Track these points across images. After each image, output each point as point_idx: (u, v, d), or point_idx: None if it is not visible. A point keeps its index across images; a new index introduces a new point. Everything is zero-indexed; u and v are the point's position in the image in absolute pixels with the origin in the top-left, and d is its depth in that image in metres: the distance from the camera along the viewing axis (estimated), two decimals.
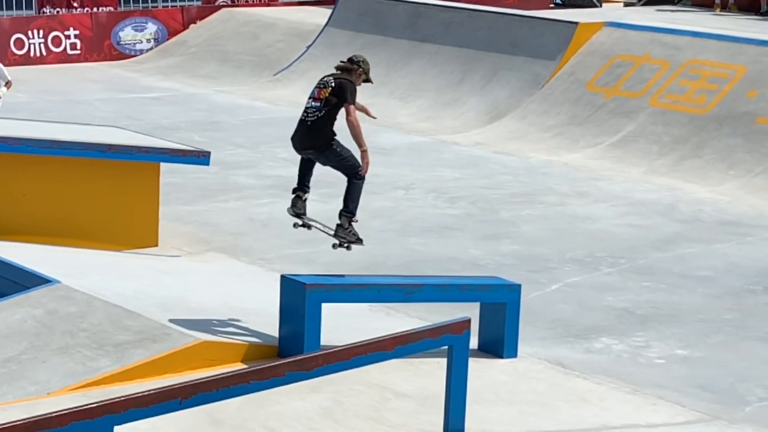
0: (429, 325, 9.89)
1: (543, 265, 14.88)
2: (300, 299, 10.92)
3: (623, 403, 10.92)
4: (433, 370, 10.93)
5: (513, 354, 11.69)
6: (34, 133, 14.47)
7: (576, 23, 22.93)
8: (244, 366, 10.91)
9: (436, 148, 20.92)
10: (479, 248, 15.48)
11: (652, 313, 13.44)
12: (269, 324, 11.78)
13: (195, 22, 29.64)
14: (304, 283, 10.93)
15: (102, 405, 8.30)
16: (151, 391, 8.54)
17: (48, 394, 10.34)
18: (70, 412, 8.20)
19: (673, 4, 30.18)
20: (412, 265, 14.73)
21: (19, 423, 8.12)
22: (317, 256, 15.04)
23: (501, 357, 11.61)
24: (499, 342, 11.68)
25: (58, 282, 12.16)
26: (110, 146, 14.46)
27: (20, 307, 11.79)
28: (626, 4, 29.31)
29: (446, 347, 9.64)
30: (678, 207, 17.61)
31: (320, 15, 27.83)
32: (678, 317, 13.35)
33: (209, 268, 14.30)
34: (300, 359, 9.07)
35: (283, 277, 11.21)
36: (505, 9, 25.66)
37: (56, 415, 8.16)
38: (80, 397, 10.26)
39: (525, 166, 19.74)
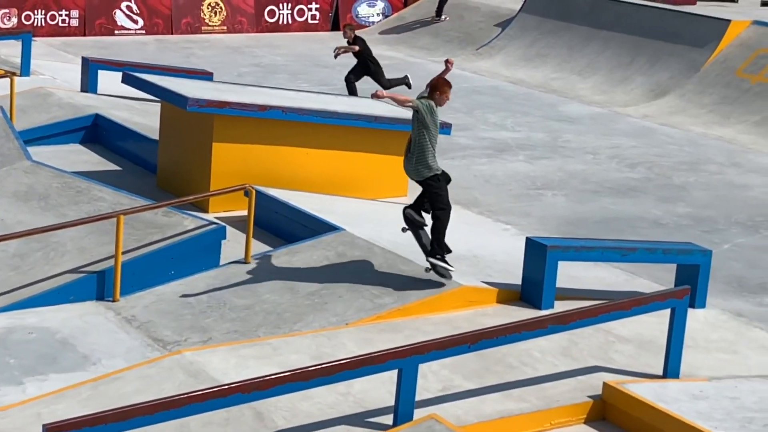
0: (658, 291, 9.85)
1: (713, 227, 14.65)
2: (541, 257, 10.91)
3: None
4: (642, 317, 10.81)
5: (702, 306, 11.58)
6: (316, 105, 14.58)
7: (728, 21, 22.41)
8: (496, 306, 10.94)
9: (612, 119, 20.65)
10: (659, 209, 15.29)
11: None
12: (507, 271, 11.79)
13: (414, 2, 29.43)
14: (546, 245, 10.91)
15: (412, 348, 8.42)
16: (448, 338, 8.63)
17: (347, 324, 10.47)
18: (388, 353, 8.32)
19: None
20: (609, 222, 14.60)
21: (351, 360, 8.25)
22: (532, 210, 15.01)
23: (693, 307, 11.50)
24: (691, 296, 11.55)
25: (344, 230, 12.28)
26: (376, 117, 14.51)
27: (316, 249, 11.94)
28: (763, 4, 28.55)
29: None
30: None
31: (514, 1, 27.47)
32: None
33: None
34: (560, 315, 9.10)
35: (528, 239, 11.19)
36: (665, 5, 25.10)
37: (378, 355, 8.29)
38: (372, 328, 10.38)
39: (687, 138, 19.40)
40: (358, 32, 20.27)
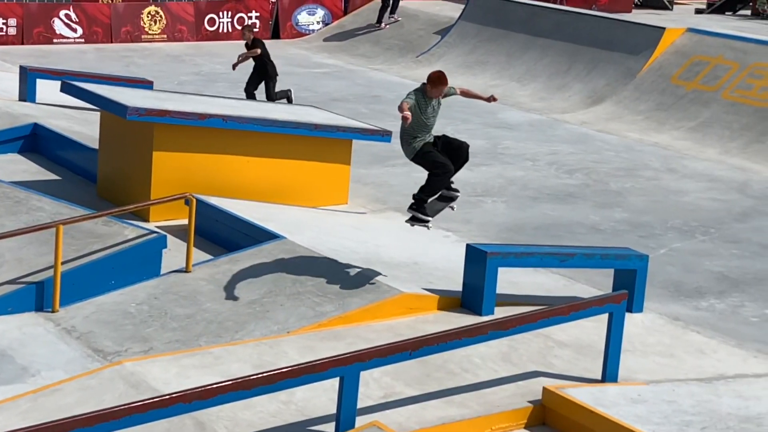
0: (596, 296, 9.88)
1: (650, 232, 14.76)
2: (481, 263, 10.93)
3: (732, 356, 10.82)
4: (581, 322, 10.85)
5: (640, 310, 11.65)
6: (256, 113, 14.51)
7: (663, 28, 22.63)
8: (437, 313, 10.94)
9: (550, 125, 20.76)
10: (597, 215, 15.38)
11: (742, 277, 13.30)
12: (448, 278, 11.80)
13: (354, 10, 29.47)
14: (486, 252, 10.93)
15: (353, 355, 8.39)
16: (389, 345, 8.61)
17: (288, 332, 10.42)
18: (329, 361, 8.29)
19: (734, 12, 29.66)
20: (548, 228, 14.66)
21: (292, 368, 8.20)
22: (472, 216, 15.04)
23: (631, 312, 11.55)
24: (629, 300, 11.61)
25: (285, 238, 12.23)
26: (316, 125, 14.47)
27: (257, 258, 11.87)
28: (697, 11, 28.81)
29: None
30: (749, 184, 17.36)
31: (453, 9, 27.63)
32: (764, 281, 13.20)
33: (390, 225, 14.28)
34: (500, 321, 9.10)
35: (468, 245, 11.21)
36: (603, 13, 25.31)
37: (319, 363, 8.25)
38: (313, 335, 10.34)
39: (623, 144, 19.54)
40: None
